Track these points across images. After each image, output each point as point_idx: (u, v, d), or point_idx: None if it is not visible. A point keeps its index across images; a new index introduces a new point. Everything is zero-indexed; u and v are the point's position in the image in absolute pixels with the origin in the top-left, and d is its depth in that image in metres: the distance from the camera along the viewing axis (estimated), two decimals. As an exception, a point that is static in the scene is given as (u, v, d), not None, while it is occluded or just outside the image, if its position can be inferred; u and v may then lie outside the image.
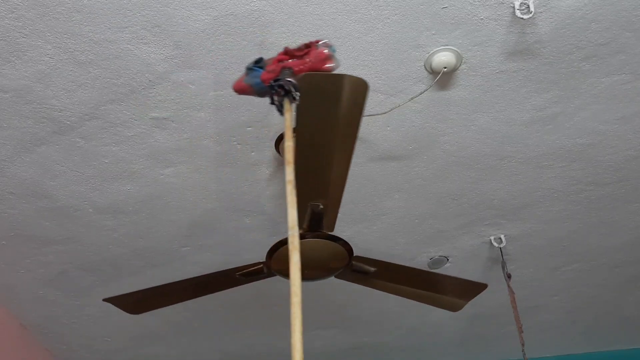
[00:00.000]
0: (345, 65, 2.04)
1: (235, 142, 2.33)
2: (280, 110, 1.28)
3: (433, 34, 1.95)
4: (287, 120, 1.25)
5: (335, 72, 1.39)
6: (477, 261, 3.13)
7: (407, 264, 3.12)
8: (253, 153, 2.38)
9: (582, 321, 3.76)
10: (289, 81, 1.28)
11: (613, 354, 4.13)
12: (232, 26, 1.89)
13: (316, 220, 2.00)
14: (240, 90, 1.37)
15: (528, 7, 1.83)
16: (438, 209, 2.76)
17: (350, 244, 2.08)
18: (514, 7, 1.85)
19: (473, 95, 2.19)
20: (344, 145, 1.83)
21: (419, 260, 3.09)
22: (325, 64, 1.32)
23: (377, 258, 2.32)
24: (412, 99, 2.16)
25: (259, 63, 1.34)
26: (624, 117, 2.32)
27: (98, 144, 2.29)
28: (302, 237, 1.99)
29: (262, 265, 2.15)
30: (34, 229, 2.69)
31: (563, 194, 2.70)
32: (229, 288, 2.35)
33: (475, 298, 3.44)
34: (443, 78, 2.09)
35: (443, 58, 2.01)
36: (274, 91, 1.29)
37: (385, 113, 2.21)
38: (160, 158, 2.38)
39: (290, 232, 1.09)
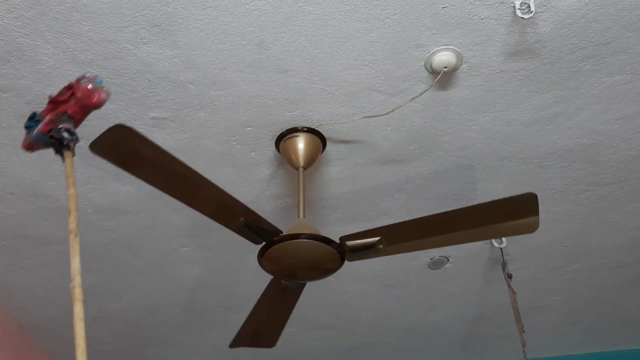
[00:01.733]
0: (345, 65, 2.03)
1: (235, 142, 2.33)
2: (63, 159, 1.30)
3: (433, 34, 1.94)
4: (67, 167, 1.27)
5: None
6: (477, 261, 3.13)
7: (408, 264, 3.14)
8: (253, 153, 2.38)
9: (583, 322, 3.76)
10: (59, 129, 1.30)
11: (613, 355, 4.13)
12: (232, 26, 1.88)
13: (258, 230, 2.02)
14: (28, 148, 1.39)
15: (529, 6, 1.83)
16: (438, 209, 2.75)
17: (337, 234, 2.07)
18: (514, 6, 1.85)
19: (473, 95, 2.19)
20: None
21: (419, 260, 3.08)
22: (94, 99, 1.33)
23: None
24: (412, 99, 2.15)
25: (34, 118, 1.36)
26: (624, 117, 2.32)
27: (98, 144, 2.29)
28: (296, 237, 1.98)
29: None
30: (34, 229, 2.69)
31: (563, 194, 2.69)
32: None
33: (476, 298, 3.45)
34: (443, 78, 2.09)
35: (443, 58, 2.00)
36: (51, 142, 1.31)
37: (386, 114, 2.21)
38: (160, 158, 2.37)
39: (72, 284, 1.03)
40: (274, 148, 2.34)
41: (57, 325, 3.40)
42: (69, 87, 1.33)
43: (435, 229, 2.07)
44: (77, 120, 1.34)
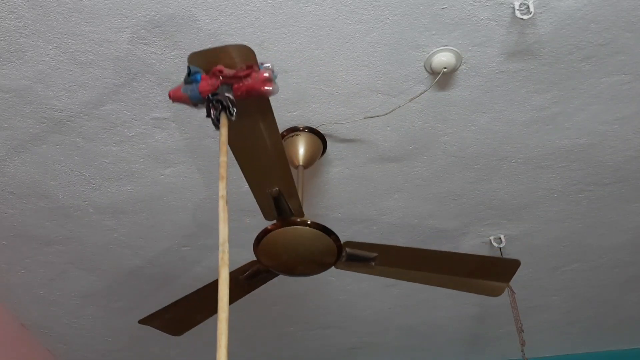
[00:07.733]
0: (345, 65, 2.04)
1: (235, 142, 2.33)
2: (216, 124, 1.30)
3: (433, 35, 1.95)
4: (222, 135, 1.27)
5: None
6: (476, 261, 3.13)
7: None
8: (253, 153, 2.38)
9: (582, 321, 3.77)
10: (227, 96, 1.30)
11: (612, 354, 4.13)
12: (232, 26, 1.89)
13: (281, 205, 1.95)
14: (176, 98, 1.39)
15: (528, 7, 1.84)
16: (438, 209, 2.76)
17: (337, 234, 2.01)
18: (513, 7, 1.86)
19: (473, 95, 2.19)
20: (268, 126, 1.73)
21: (418, 260, 3.09)
22: (264, 88, 1.34)
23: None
24: (412, 99, 2.16)
25: (196, 74, 1.36)
26: (623, 117, 2.32)
27: (98, 144, 2.30)
28: (290, 224, 1.94)
29: (256, 264, 2.08)
30: (34, 229, 2.70)
31: (563, 194, 2.70)
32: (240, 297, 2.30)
33: (476, 298, 3.45)
34: (443, 78, 2.09)
35: (443, 58, 2.01)
36: (211, 104, 1.31)
37: (386, 114, 2.22)
38: (160, 158, 2.38)
39: (220, 249, 1.06)
40: (274, 148, 2.34)
41: (57, 325, 3.40)
42: (249, 67, 1.34)
43: (428, 264, 2.21)
44: (236, 97, 1.34)
